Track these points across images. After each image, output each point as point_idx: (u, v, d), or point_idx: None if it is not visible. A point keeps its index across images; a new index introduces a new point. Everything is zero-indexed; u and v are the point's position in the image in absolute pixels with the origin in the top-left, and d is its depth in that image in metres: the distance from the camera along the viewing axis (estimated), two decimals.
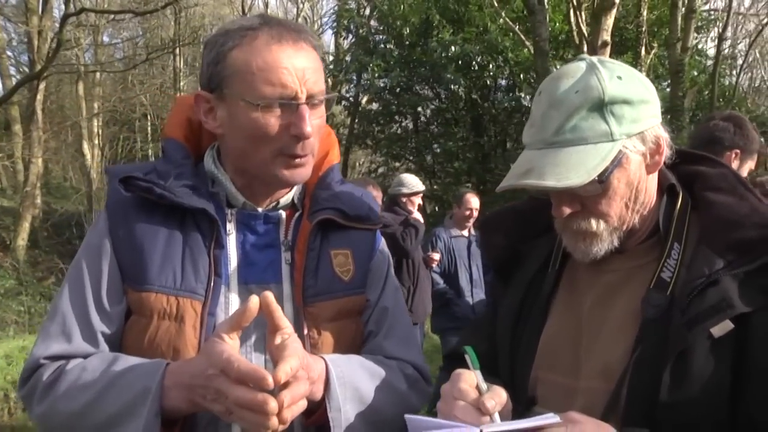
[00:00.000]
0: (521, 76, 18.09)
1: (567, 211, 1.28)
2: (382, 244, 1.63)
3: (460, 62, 17.33)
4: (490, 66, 17.79)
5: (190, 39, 21.17)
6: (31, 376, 1.34)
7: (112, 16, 18.01)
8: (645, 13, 15.86)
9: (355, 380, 1.35)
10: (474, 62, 17.36)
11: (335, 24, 23.73)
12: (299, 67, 1.34)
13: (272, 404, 1.10)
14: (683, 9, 16.54)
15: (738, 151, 3.22)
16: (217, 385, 1.14)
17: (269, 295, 1.21)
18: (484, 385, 1.19)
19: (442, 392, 1.23)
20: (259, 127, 1.33)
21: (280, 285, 1.43)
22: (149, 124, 28.35)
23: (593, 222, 1.28)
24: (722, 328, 1.14)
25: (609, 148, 1.22)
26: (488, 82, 19.04)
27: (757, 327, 1.14)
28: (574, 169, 1.19)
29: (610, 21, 13.16)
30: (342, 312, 1.47)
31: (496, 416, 1.14)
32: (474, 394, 1.17)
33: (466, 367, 1.55)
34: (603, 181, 1.23)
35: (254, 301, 1.19)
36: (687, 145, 2.73)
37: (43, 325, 1.38)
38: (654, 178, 1.34)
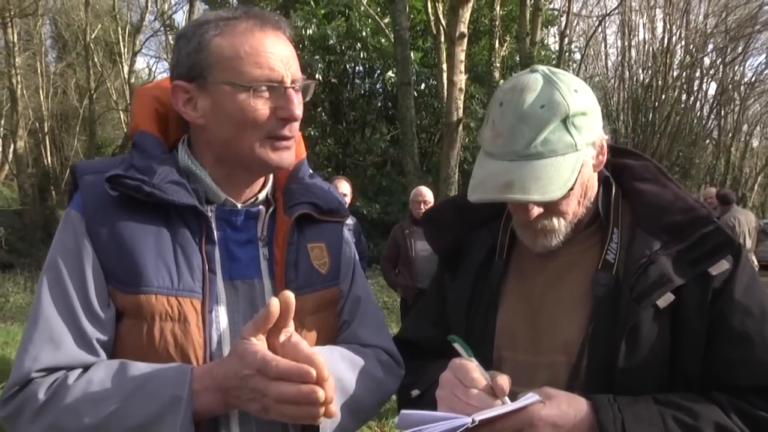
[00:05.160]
0: (380, 62, 18.37)
1: (535, 213, 1.39)
2: (347, 234, 1.66)
3: (318, 44, 17.21)
4: (350, 51, 17.86)
5: (30, 10, 19.27)
6: (18, 393, 1.22)
7: None
8: (498, 8, 16.62)
9: (338, 372, 1.38)
10: (334, 44, 17.28)
11: None
12: (283, 54, 1.35)
13: (320, 393, 1.13)
14: (531, 6, 17.58)
15: None
16: (254, 384, 1.16)
17: (290, 295, 1.21)
18: (484, 372, 1.26)
19: (443, 381, 1.29)
20: (248, 110, 1.32)
21: (262, 281, 1.42)
22: None
23: (555, 220, 1.42)
24: (666, 299, 1.32)
25: (575, 158, 1.33)
26: (347, 67, 19.16)
27: (688, 296, 1.32)
28: (553, 182, 1.30)
29: (467, 14, 13.71)
30: (321, 304, 1.48)
31: (506, 398, 1.22)
32: (485, 381, 1.24)
33: (415, 352, 1.60)
34: (571, 188, 1.36)
35: (275, 303, 1.18)
36: None
37: (25, 334, 1.27)
38: (595, 174, 1.48)
